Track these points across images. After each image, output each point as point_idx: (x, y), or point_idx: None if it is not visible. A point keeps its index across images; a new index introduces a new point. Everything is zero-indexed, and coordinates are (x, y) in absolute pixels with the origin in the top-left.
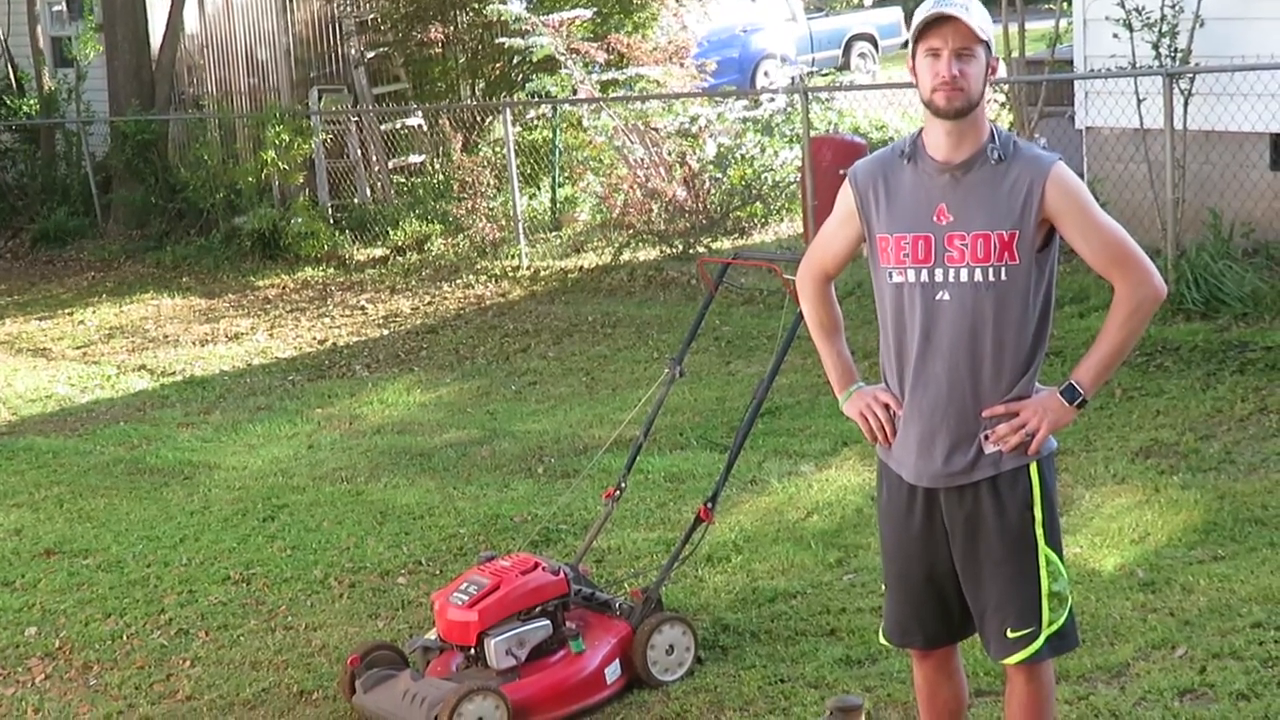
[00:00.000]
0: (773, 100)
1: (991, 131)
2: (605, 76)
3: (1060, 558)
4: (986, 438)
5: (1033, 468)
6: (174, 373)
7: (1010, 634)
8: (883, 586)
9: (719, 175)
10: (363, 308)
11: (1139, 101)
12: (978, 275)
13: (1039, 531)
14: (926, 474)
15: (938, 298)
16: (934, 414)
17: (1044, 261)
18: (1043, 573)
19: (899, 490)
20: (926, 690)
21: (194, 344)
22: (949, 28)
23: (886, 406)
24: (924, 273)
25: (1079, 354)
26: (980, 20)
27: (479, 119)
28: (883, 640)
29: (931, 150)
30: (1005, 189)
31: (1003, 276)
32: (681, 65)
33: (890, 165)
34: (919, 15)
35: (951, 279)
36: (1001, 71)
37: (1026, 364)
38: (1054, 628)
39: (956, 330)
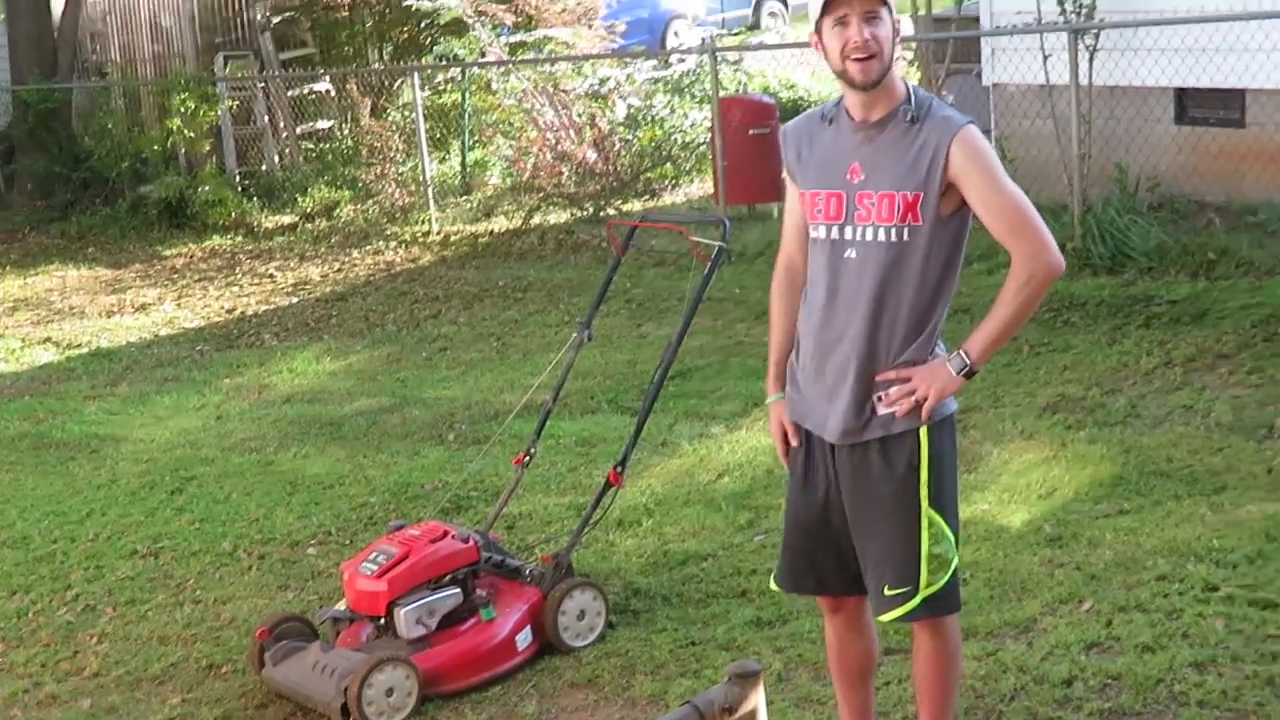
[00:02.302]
0: (682, 61)
1: (909, 92)
2: (514, 39)
3: (947, 521)
4: (879, 399)
5: (923, 431)
6: (80, 345)
7: (887, 591)
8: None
9: (629, 137)
10: (271, 276)
11: (1045, 58)
12: (881, 235)
13: (923, 493)
14: (826, 428)
15: (845, 255)
16: (835, 370)
17: (952, 225)
18: (924, 534)
19: (803, 440)
20: (837, 646)
21: (100, 315)
22: None
23: (784, 435)
24: (834, 229)
25: (986, 311)
26: None
27: (387, 83)
28: (773, 585)
29: (850, 110)
30: (914, 150)
31: (905, 237)
32: (590, 27)
33: (814, 125)
34: None
35: (858, 237)
36: (909, 29)
37: (921, 326)
38: (931, 589)
39: (859, 288)
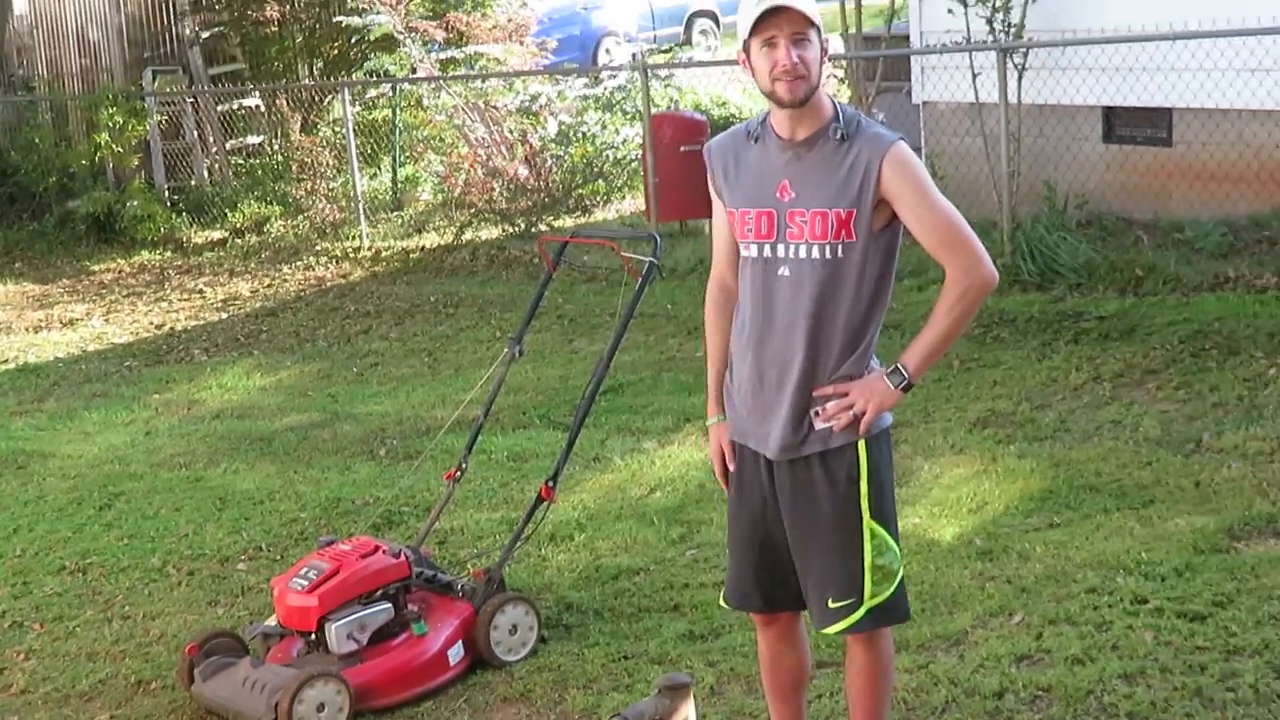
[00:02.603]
0: (614, 78)
1: (836, 110)
2: (445, 55)
3: (889, 532)
4: (817, 414)
5: (860, 444)
6: (6, 360)
7: (831, 604)
8: (727, 551)
9: (561, 153)
10: (201, 291)
11: (974, 76)
12: (814, 252)
13: (864, 505)
14: (766, 444)
15: (778, 273)
16: (772, 387)
17: (884, 240)
18: (866, 546)
19: (741, 457)
20: (769, 659)
21: (27, 330)
22: (783, 16)
23: (723, 455)
24: (766, 248)
25: (918, 327)
26: (811, 4)
27: (317, 99)
28: (722, 603)
29: (777, 128)
30: (845, 168)
31: (839, 254)
32: (522, 43)
33: (740, 143)
34: (751, 8)
35: (791, 255)
36: (839, 47)
37: (856, 341)
38: (876, 600)
39: (793, 306)
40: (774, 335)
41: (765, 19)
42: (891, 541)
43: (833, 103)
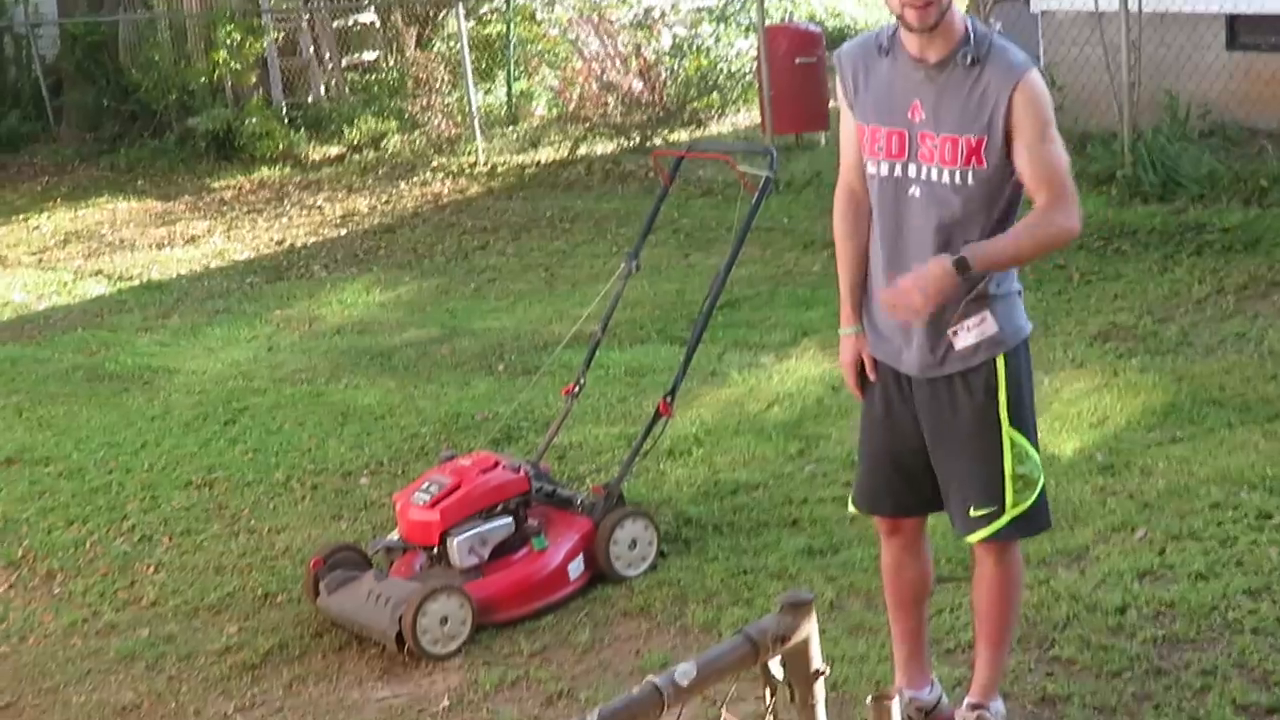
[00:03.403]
0: None
1: (967, 30)
2: None
3: (1030, 441)
4: (955, 334)
5: (999, 358)
6: (131, 277)
7: (974, 512)
8: (855, 457)
9: (675, 66)
10: (320, 207)
11: None
12: (945, 177)
13: (1003, 414)
14: (902, 361)
15: (909, 192)
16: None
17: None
18: (1007, 454)
19: (878, 371)
20: (892, 568)
21: (150, 248)
22: None
23: (856, 365)
24: (897, 167)
25: None
26: None
27: (432, 14)
28: (851, 508)
29: (908, 46)
30: (976, 94)
31: (969, 180)
32: None
33: (870, 54)
34: None
35: (923, 176)
36: None
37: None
38: (1019, 509)
39: (925, 226)
40: (906, 255)
41: None
42: (1031, 450)
43: (964, 22)
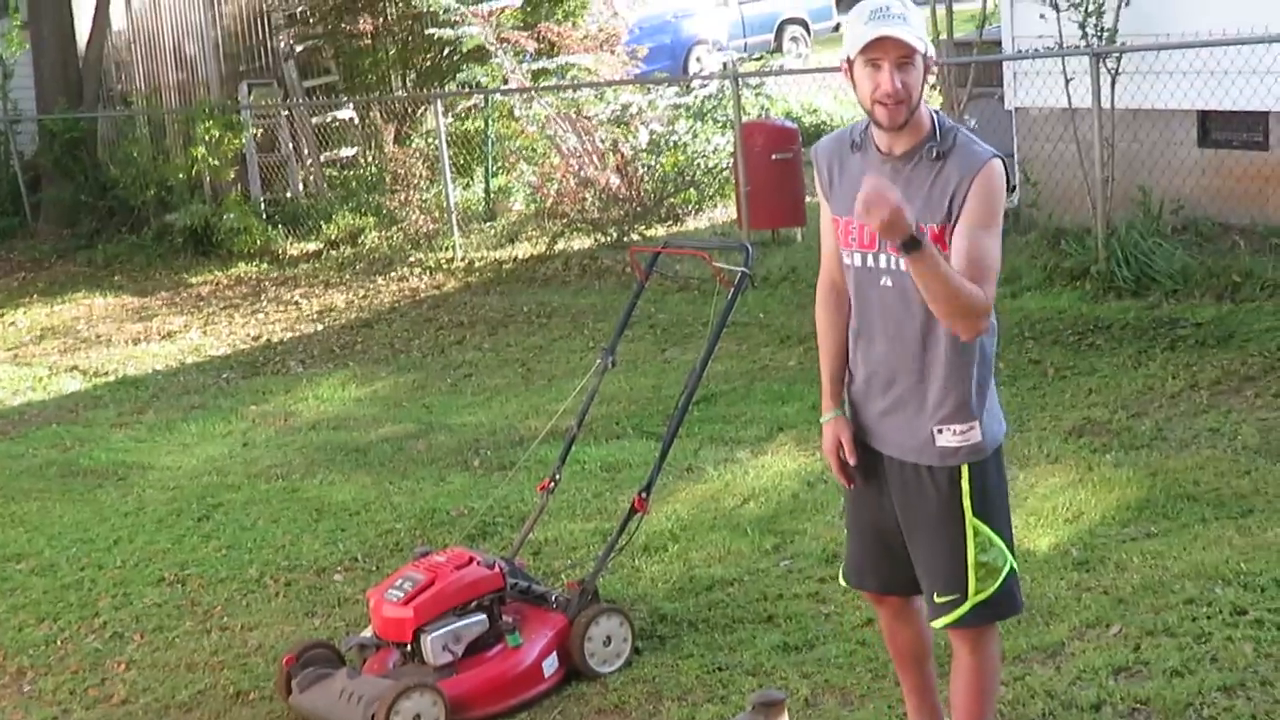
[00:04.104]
0: (704, 86)
1: (934, 124)
2: (536, 65)
3: (995, 530)
4: (939, 431)
5: (964, 467)
6: (107, 373)
7: (937, 598)
8: (846, 531)
9: (652, 162)
10: (297, 303)
11: (1067, 81)
12: None
13: (966, 503)
14: (880, 442)
15: (881, 283)
16: (885, 391)
17: None
18: (969, 543)
19: (857, 451)
20: (887, 632)
21: (127, 343)
22: (890, 42)
23: (838, 450)
24: (869, 258)
25: (1010, 333)
26: (918, 29)
27: (410, 110)
28: (841, 581)
29: (876, 140)
30: (940, 184)
31: None
32: (613, 53)
33: (844, 149)
34: (861, 31)
35: (892, 266)
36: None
37: (964, 351)
38: (980, 596)
39: (897, 315)
40: (880, 342)
41: (874, 42)
42: (996, 539)
43: (931, 117)
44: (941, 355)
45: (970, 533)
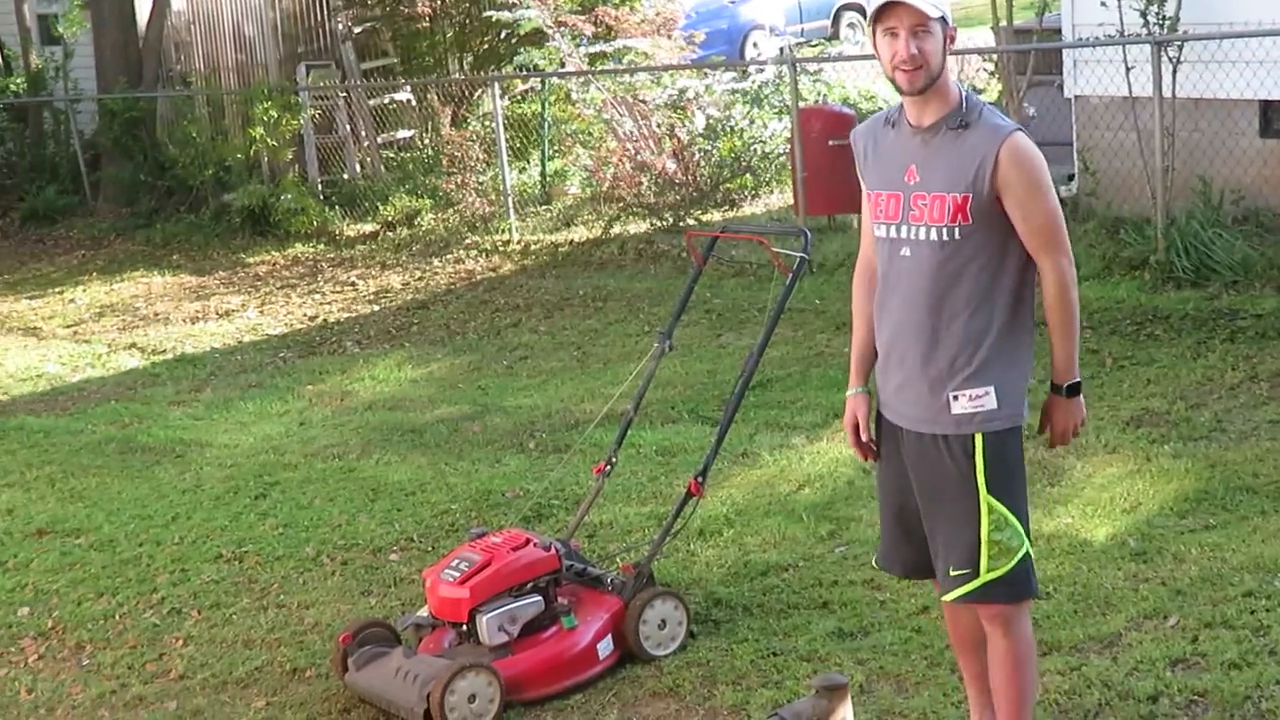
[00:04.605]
0: (761, 71)
1: (961, 99)
2: (593, 49)
3: (1010, 509)
4: (955, 397)
5: (978, 434)
6: (165, 350)
7: (952, 571)
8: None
9: (708, 147)
10: (353, 284)
11: (1127, 70)
12: (934, 234)
13: (980, 479)
14: (897, 415)
15: (901, 253)
16: (901, 363)
17: (1006, 223)
18: (983, 520)
19: (884, 426)
20: (949, 617)
21: (185, 321)
22: (903, 8)
23: (855, 428)
24: (893, 229)
25: (1109, 317)
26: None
27: (467, 93)
28: (874, 564)
29: (908, 113)
30: (964, 154)
31: (956, 237)
32: (670, 37)
33: (878, 128)
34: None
35: (912, 236)
36: (989, 41)
37: (982, 324)
38: (993, 575)
39: (914, 285)
40: (896, 313)
41: (886, 9)
42: (1011, 518)
43: (959, 90)
44: (955, 323)
45: (985, 509)
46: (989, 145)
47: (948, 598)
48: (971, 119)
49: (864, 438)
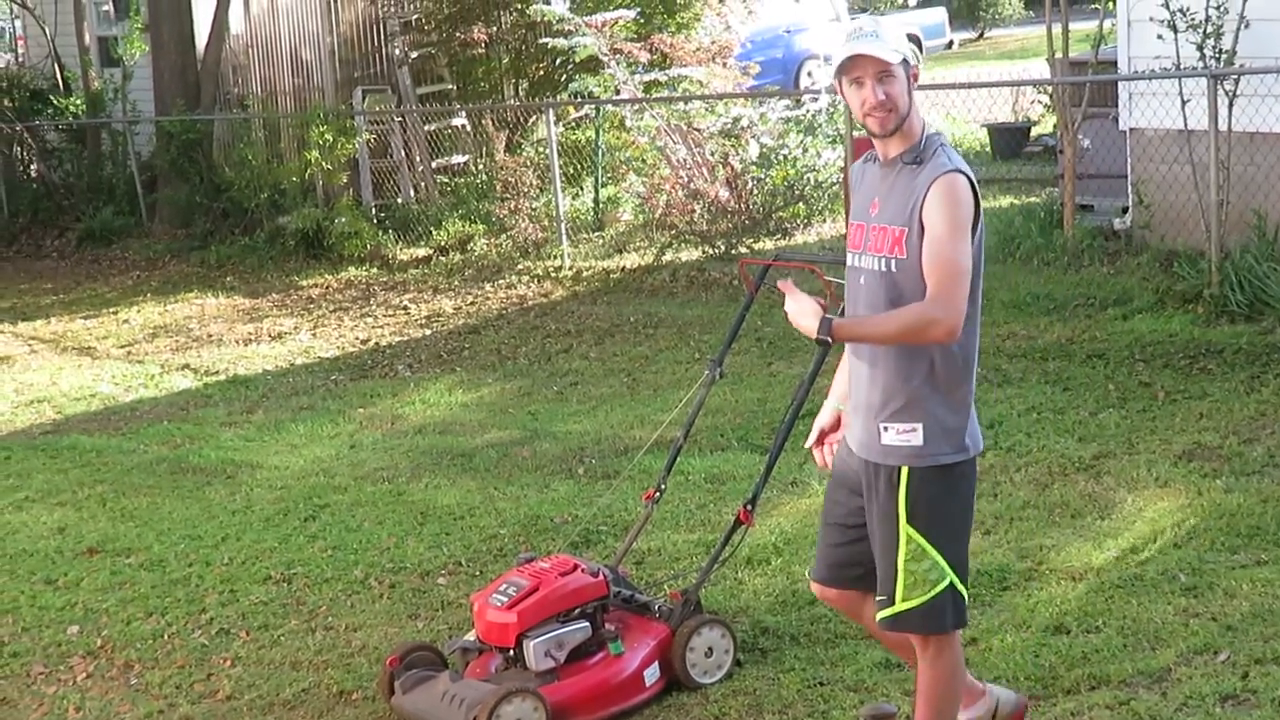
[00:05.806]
0: (815, 100)
1: (921, 135)
2: (648, 77)
3: (934, 543)
4: (884, 429)
5: (904, 468)
6: (217, 372)
7: (876, 596)
8: None
9: (761, 175)
10: (405, 307)
11: (1183, 103)
12: (879, 264)
13: (901, 509)
14: (850, 437)
15: (859, 280)
16: (856, 389)
17: None
18: (900, 548)
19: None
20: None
21: (237, 343)
22: (865, 59)
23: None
24: (856, 256)
25: (1120, 356)
26: (891, 45)
27: (522, 119)
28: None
29: (878, 151)
30: (910, 189)
31: (893, 269)
32: (725, 65)
33: (867, 164)
34: (838, 52)
35: (866, 265)
36: (1045, 72)
37: (915, 356)
38: (908, 605)
39: (863, 311)
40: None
41: (850, 61)
42: (932, 551)
43: (922, 128)
44: (889, 355)
45: (904, 538)
46: (926, 180)
47: (875, 619)
48: (926, 156)
49: (806, 444)
